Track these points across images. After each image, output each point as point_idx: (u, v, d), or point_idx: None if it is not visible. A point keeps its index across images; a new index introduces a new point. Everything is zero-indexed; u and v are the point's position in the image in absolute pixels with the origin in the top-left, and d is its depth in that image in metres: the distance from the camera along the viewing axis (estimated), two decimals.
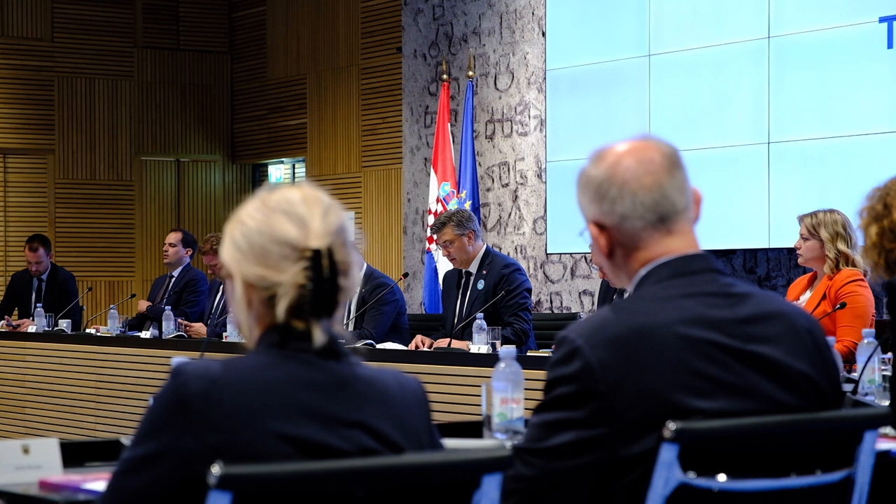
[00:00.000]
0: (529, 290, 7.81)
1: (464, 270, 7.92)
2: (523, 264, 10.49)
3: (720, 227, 8.74)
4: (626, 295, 2.55)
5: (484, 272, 7.79)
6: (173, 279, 10.35)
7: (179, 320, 9.12)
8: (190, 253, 10.39)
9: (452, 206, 10.01)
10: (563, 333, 2.40)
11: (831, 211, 6.40)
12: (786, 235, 8.09)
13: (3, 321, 10.57)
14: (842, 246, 6.26)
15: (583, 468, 2.35)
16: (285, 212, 2.28)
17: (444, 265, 9.79)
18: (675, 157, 2.52)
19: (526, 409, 3.35)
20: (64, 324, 9.80)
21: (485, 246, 7.93)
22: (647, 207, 2.47)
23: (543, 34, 10.43)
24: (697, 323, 2.39)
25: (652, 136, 2.56)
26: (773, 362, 2.42)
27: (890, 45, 8.20)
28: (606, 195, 2.49)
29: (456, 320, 7.84)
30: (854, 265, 6.25)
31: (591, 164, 2.54)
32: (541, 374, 2.51)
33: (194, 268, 10.28)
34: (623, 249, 2.51)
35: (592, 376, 2.33)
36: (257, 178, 14.00)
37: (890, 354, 4.51)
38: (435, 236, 7.94)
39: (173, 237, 10.47)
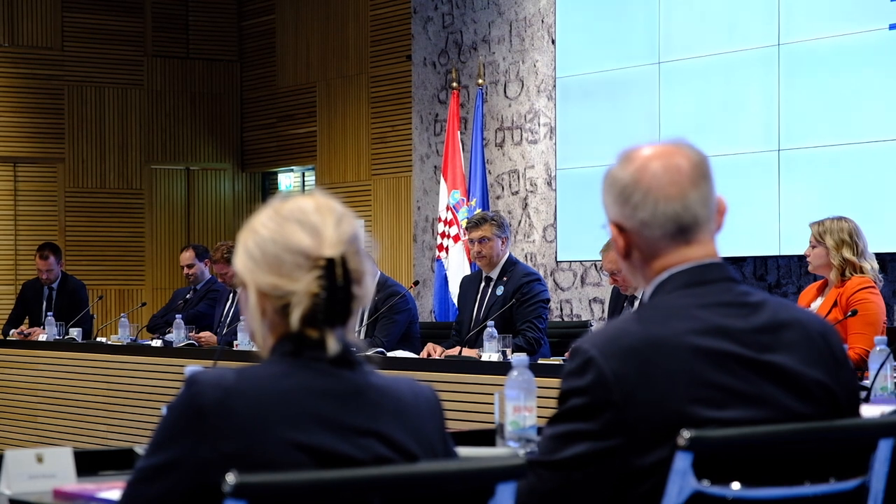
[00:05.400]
0: (547, 301, 7.77)
1: (483, 275, 7.90)
2: None
3: (730, 235, 8.64)
4: (636, 303, 2.55)
5: (505, 279, 7.77)
6: (195, 291, 10.31)
7: (190, 334, 9.10)
8: (207, 264, 10.32)
9: (462, 213, 10.01)
10: (577, 344, 2.39)
11: (839, 218, 6.39)
12: (796, 243, 8.08)
13: (15, 330, 10.59)
14: (847, 254, 6.26)
15: (597, 479, 2.34)
16: (298, 221, 2.28)
17: (454, 273, 9.79)
18: (702, 166, 2.49)
19: (539, 417, 3.34)
20: (75, 332, 9.80)
21: (508, 253, 7.92)
22: (668, 218, 2.46)
23: (553, 42, 10.43)
24: (712, 333, 2.38)
25: (684, 141, 2.52)
26: (788, 371, 2.41)
27: None
28: (629, 200, 2.47)
29: (472, 325, 7.81)
30: (862, 272, 6.24)
31: (619, 165, 2.51)
32: (554, 382, 2.50)
33: (219, 282, 10.12)
34: (640, 253, 2.50)
35: (606, 387, 2.32)
36: (267, 186, 14.01)
37: None
38: (471, 231, 7.89)
39: (188, 257, 10.30)
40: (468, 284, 8.09)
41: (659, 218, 2.46)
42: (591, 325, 8.55)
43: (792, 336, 2.44)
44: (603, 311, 10.02)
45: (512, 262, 7.87)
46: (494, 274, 7.83)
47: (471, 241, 7.89)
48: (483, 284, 7.91)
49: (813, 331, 2.48)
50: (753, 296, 2.48)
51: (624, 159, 2.52)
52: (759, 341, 2.41)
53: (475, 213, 8.60)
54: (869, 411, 3.47)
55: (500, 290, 7.76)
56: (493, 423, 3.48)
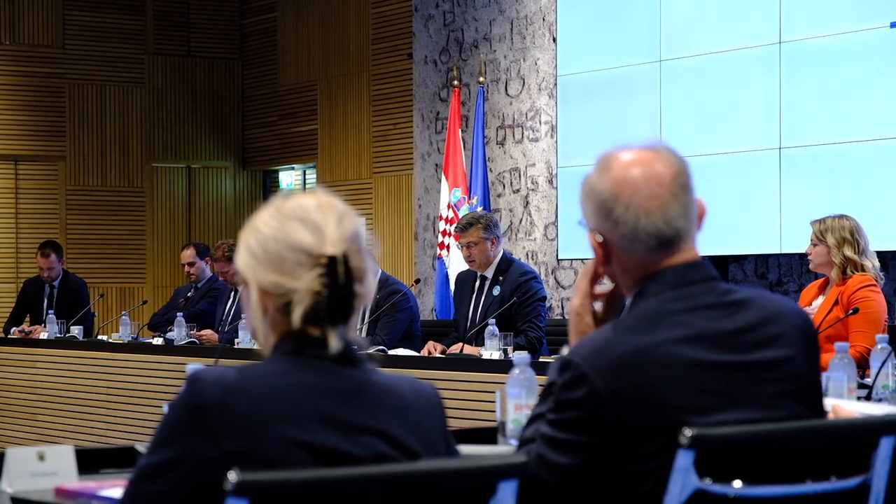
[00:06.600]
0: (544, 299, 7.76)
1: (479, 274, 7.86)
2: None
3: (732, 233, 8.73)
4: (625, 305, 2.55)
5: (500, 278, 7.73)
6: (196, 290, 10.31)
7: (191, 332, 9.09)
8: (208, 262, 10.32)
9: (464, 212, 10.00)
10: (566, 357, 2.40)
11: (841, 216, 6.39)
12: (798, 241, 8.08)
13: (16, 328, 10.59)
14: (848, 251, 6.25)
15: (595, 486, 2.36)
16: (300, 219, 2.28)
17: (455, 271, 9.77)
18: (682, 176, 2.48)
19: None
20: (76, 330, 9.80)
21: (502, 252, 7.88)
22: (650, 234, 2.46)
23: (554, 40, 10.43)
24: (699, 339, 2.39)
25: (661, 146, 2.51)
26: (776, 365, 2.44)
27: None
28: (610, 215, 2.47)
29: (468, 325, 7.79)
30: (863, 270, 6.24)
31: (597, 174, 2.50)
32: None
33: (220, 280, 10.12)
34: (620, 262, 2.51)
35: (600, 402, 2.34)
36: (268, 184, 14.01)
37: None
38: (459, 235, 7.84)
39: (189, 255, 10.28)
40: (463, 281, 8.04)
41: (640, 235, 2.45)
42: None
43: (777, 329, 2.47)
44: None
45: (507, 261, 7.82)
46: (489, 273, 7.79)
47: (459, 245, 7.85)
48: (478, 284, 7.88)
49: (794, 322, 2.50)
50: (736, 293, 2.48)
51: (602, 167, 2.50)
52: (746, 340, 2.43)
53: (463, 216, 8.49)
54: (869, 409, 3.47)
55: (496, 291, 7.72)
56: (494, 421, 3.48)
